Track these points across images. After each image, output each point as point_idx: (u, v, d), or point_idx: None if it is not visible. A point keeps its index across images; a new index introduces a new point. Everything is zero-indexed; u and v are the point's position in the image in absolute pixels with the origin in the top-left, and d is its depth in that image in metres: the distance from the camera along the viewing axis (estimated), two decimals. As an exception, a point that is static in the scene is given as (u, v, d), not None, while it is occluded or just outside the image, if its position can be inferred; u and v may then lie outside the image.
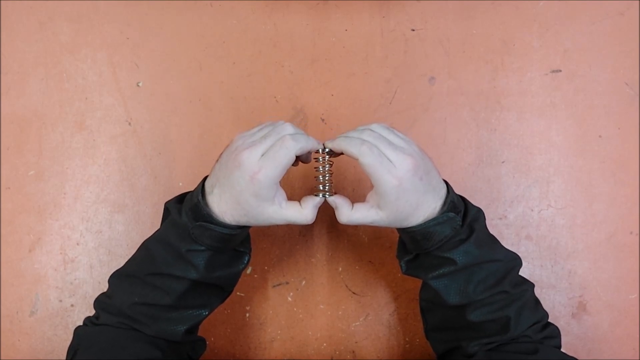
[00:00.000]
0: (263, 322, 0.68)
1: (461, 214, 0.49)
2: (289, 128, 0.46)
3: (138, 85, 0.70)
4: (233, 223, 0.47)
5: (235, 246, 0.52)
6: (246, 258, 0.54)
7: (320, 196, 0.48)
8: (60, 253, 0.68)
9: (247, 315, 0.68)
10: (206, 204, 0.47)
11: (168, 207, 0.52)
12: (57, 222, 0.68)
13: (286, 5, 0.71)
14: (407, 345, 0.68)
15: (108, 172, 0.69)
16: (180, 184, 0.69)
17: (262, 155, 0.44)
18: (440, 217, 0.47)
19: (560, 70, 0.70)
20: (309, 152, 0.49)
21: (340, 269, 0.69)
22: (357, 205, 0.48)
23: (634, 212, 0.68)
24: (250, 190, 0.44)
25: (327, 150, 0.48)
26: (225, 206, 0.47)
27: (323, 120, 0.70)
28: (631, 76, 0.69)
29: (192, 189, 0.51)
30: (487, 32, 0.71)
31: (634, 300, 0.67)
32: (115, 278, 0.53)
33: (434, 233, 0.47)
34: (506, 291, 0.49)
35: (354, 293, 0.69)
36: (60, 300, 0.68)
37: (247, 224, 0.48)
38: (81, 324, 0.53)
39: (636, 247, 0.67)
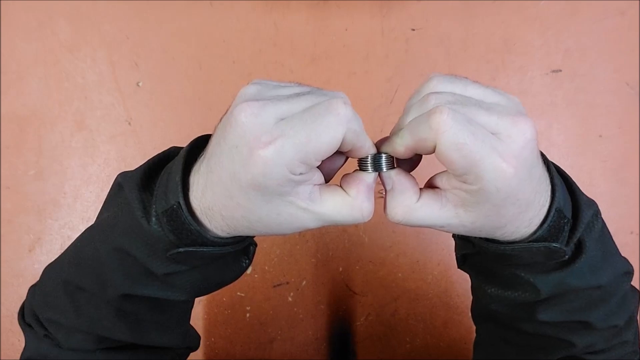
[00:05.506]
0: (263, 322, 0.68)
1: (569, 226, 0.29)
2: (343, 95, 0.26)
3: (138, 85, 0.70)
4: (225, 234, 0.28)
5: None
6: (246, 262, 0.37)
7: (371, 170, 0.28)
8: (60, 253, 0.68)
9: (247, 315, 0.68)
10: (190, 206, 0.28)
11: (124, 189, 0.33)
12: (57, 222, 0.68)
13: (286, 4, 0.71)
14: (407, 346, 0.68)
15: (108, 172, 0.69)
16: (180, 183, 0.69)
17: (283, 119, 0.25)
18: (536, 245, 0.28)
19: (561, 70, 0.70)
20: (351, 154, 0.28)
21: (340, 269, 0.69)
22: (426, 197, 0.28)
23: (634, 212, 0.68)
24: (248, 176, 0.25)
25: (384, 157, 0.29)
26: (211, 199, 0.27)
27: (323, 119, 0.70)
28: (632, 76, 0.69)
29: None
30: (488, 31, 0.70)
31: (634, 300, 0.67)
32: (59, 289, 0.36)
33: (519, 257, 0.30)
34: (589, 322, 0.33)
35: (354, 293, 0.69)
36: (60, 300, 0.68)
37: (252, 234, 0.29)
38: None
39: (636, 247, 0.67)
